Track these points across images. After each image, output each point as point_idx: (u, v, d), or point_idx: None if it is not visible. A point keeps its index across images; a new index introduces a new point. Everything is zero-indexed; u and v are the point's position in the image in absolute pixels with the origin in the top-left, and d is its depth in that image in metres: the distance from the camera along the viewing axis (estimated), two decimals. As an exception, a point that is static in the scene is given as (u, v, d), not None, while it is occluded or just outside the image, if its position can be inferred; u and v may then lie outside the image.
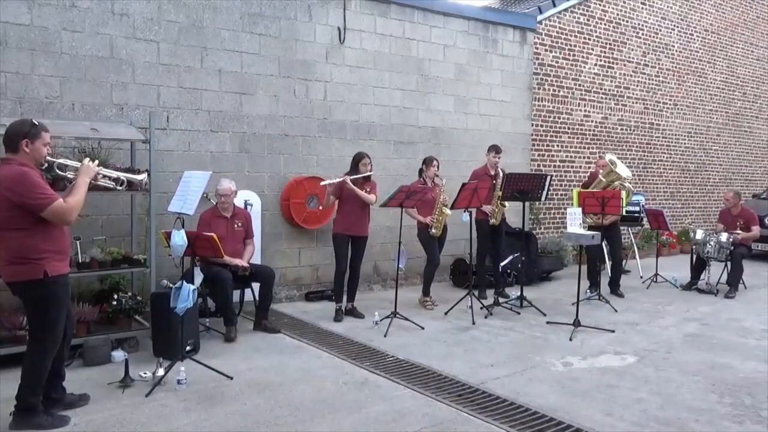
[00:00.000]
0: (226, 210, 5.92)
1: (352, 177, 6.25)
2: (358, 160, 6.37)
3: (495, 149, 7.43)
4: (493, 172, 7.33)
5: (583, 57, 10.44)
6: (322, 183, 6.45)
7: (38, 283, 3.54)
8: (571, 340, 5.74)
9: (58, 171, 3.90)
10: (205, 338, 5.49)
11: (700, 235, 8.18)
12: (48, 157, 3.74)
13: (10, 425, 3.64)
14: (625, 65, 11.16)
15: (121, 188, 4.25)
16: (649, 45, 11.57)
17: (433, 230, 6.82)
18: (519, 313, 6.69)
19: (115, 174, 4.19)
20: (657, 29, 11.69)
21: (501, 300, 7.02)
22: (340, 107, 7.64)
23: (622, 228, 8.30)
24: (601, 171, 7.62)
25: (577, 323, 5.99)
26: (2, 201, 3.47)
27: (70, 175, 3.88)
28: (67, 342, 3.94)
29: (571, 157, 10.43)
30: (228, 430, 3.72)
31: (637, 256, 9.87)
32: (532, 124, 9.75)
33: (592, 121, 10.70)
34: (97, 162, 3.92)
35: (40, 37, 5.70)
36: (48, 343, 3.67)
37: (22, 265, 3.52)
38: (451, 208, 6.55)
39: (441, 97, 8.57)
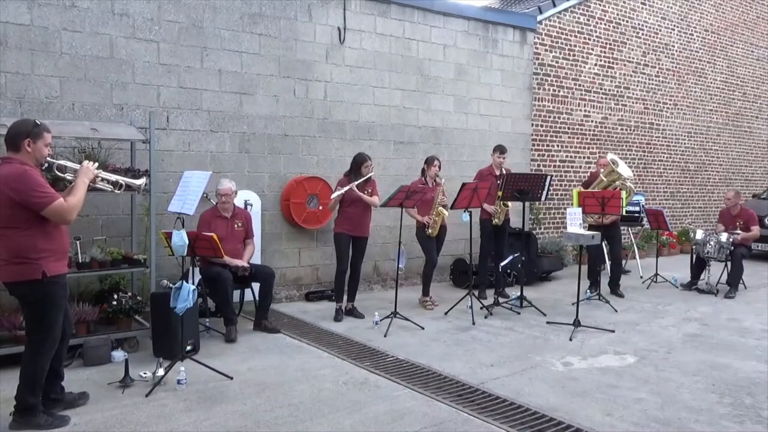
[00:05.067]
0: (226, 210, 5.92)
1: (356, 183, 6.23)
2: (360, 162, 6.34)
3: (500, 149, 7.45)
4: (498, 172, 7.34)
5: (583, 57, 10.44)
6: (332, 196, 6.38)
7: (36, 284, 3.54)
8: (571, 340, 5.74)
9: (57, 172, 3.90)
10: (205, 338, 5.49)
11: (700, 235, 8.18)
12: (49, 158, 3.75)
13: (10, 425, 3.64)
14: (625, 65, 11.16)
15: (119, 191, 4.25)
16: (649, 45, 11.57)
17: (429, 230, 6.81)
18: (519, 313, 6.69)
19: (113, 177, 4.18)
20: (657, 29, 11.70)
21: (501, 300, 7.03)
22: (340, 107, 7.64)
23: (622, 228, 8.30)
24: (602, 170, 7.63)
25: (577, 323, 5.99)
26: (3, 199, 3.48)
27: (69, 176, 3.88)
28: (66, 342, 3.93)
29: (571, 157, 10.43)
30: (228, 430, 3.72)
31: (637, 256, 9.87)
32: (532, 124, 9.75)
33: (592, 121, 10.70)
34: (96, 164, 3.92)
35: (40, 37, 5.70)
36: (46, 343, 3.67)
37: (20, 265, 3.52)
38: (451, 208, 6.54)
39: (441, 97, 8.57)
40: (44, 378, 3.71)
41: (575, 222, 6.34)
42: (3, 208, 3.49)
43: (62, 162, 3.94)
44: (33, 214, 3.50)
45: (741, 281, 8.13)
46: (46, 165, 3.81)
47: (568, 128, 10.34)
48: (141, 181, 4.46)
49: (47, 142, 3.66)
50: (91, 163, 3.88)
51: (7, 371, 4.32)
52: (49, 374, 3.75)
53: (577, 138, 10.51)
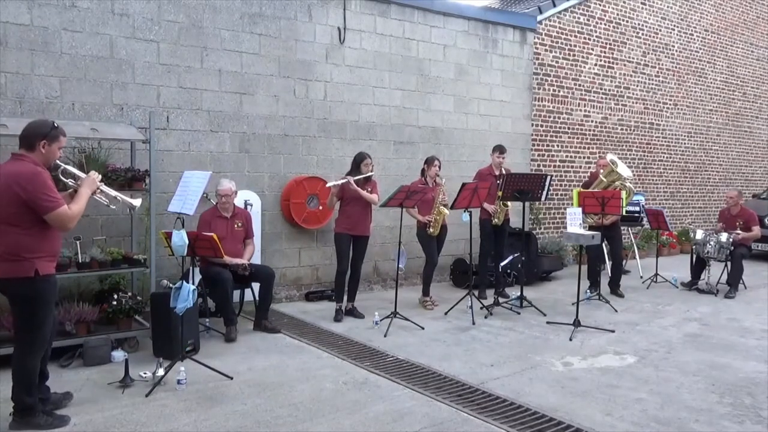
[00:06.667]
0: (226, 210, 5.92)
1: (354, 178, 6.25)
2: (359, 160, 6.38)
3: (499, 149, 7.45)
4: (497, 172, 7.34)
5: (583, 57, 10.44)
6: (328, 185, 6.46)
7: (28, 281, 3.55)
8: (571, 340, 5.74)
9: (60, 175, 3.91)
10: (205, 338, 5.49)
11: (700, 235, 8.18)
12: (57, 161, 3.76)
13: (10, 425, 3.64)
14: (625, 65, 11.16)
15: (113, 207, 4.24)
16: (649, 45, 11.57)
17: (431, 230, 6.82)
18: (519, 313, 6.69)
19: (113, 193, 4.15)
20: (657, 29, 11.70)
21: (501, 300, 7.03)
22: (340, 107, 7.64)
23: (622, 228, 8.30)
24: (601, 171, 7.63)
25: (577, 323, 5.99)
26: (11, 196, 3.49)
27: (70, 182, 3.88)
28: (49, 342, 3.87)
29: (571, 157, 10.43)
30: (228, 430, 3.72)
31: (637, 256, 9.87)
32: (532, 124, 9.75)
33: (592, 121, 10.70)
34: (100, 176, 3.94)
35: (40, 37, 5.70)
36: (36, 342, 3.66)
37: (13, 262, 3.53)
38: (451, 208, 6.54)
39: (441, 97, 8.57)
40: (37, 377, 3.71)
41: (575, 222, 6.35)
42: (8, 205, 3.50)
43: (69, 168, 3.95)
44: (35, 215, 3.52)
45: (741, 281, 8.13)
46: (60, 167, 3.84)
47: (568, 128, 10.34)
48: (137, 202, 4.37)
49: (61, 145, 3.71)
50: (98, 175, 3.90)
51: (7, 371, 4.30)
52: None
53: (577, 138, 10.51)
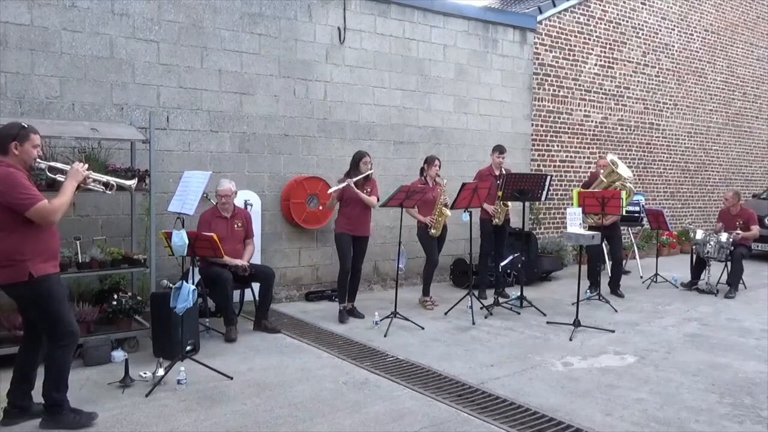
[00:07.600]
0: (226, 210, 5.92)
1: (354, 179, 6.23)
2: (358, 159, 6.37)
3: (499, 149, 7.45)
4: (497, 172, 7.34)
5: (583, 57, 10.44)
6: (329, 191, 6.41)
7: (26, 285, 3.55)
8: (571, 340, 5.74)
9: (49, 174, 3.91)
10: (205, 338, 5.49)
11: (700, 235, 8.18)
12: (39, 159, 3.75)
13: (40, 424, 3.66)
14: (625, 65, 11.16)
15: (110, 192, 4.23)
16: (649, 45, 11.57)
17: (432, 230, 6.82)
18: (519, 313, 6.69)
19: (104, 178, 4.16)
20: (657, 29, 11.70)
21: (501, 300, 7.03)
22: (340, 107, 7.64)
23: (622, 228, 8.30)
24: (602, 171, 7.63)
25: (577, 323, 5.99)
26: None
27: (59, 178, 3.86)
28: (38, 349, 3.82)
29: (571, 157, 10.43)
30: (228, 430, 3.72)
31: (637, 256, 9.87)
32: (532, 124, 9.75)
33: (592, 121, 10.70)
34: (86, 166, 3.91)
35: (40, 37, 5.70)
36: (57, 336, 3.67)
37: (7, 268, 3.54)
38: (451, 208, 6.54)
39: (441, 97, 8.57)
40: (68, 373, 3.73)
41: (575, 222, 6.35)
42: None
43: (52, 164, 3.94)
44: (19, 217, 3.52)
45: (741, 281, 8.13)
46: (43, 166, 3.82)
47: (568, 128, 10.34)
48: (132, 182, 4.43)
49: (35, 143, 3.67)
50: (81, 164, 3.86)
51: (8, 371, 4.30)
52: (18, 380, 3.75)
53: (577, 138, 10.51)
